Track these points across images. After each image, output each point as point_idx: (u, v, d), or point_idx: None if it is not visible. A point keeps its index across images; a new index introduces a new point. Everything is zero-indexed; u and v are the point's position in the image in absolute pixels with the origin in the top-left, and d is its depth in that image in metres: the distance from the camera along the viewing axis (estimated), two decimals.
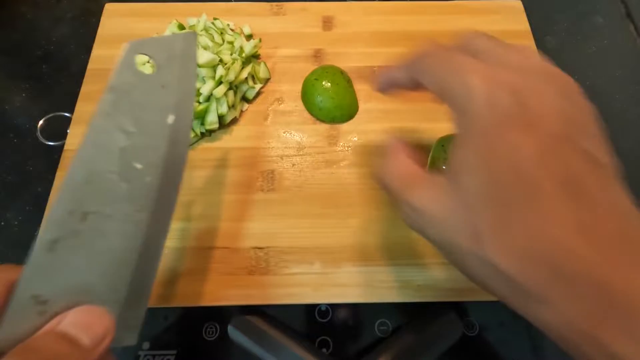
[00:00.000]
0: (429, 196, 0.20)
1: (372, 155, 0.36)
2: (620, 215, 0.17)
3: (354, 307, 0.32)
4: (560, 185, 0.16)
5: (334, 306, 0.32)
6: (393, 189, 0.22)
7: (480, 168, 0.18)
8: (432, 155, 0.30)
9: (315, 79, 0.33)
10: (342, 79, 0.34)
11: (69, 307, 0.16)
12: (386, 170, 0.23)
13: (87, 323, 0.16)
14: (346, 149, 0.37)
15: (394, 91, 0.25)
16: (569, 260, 0.16)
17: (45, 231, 0.16)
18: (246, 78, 0.38)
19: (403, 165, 0.22)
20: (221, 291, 0.31)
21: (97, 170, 0.19)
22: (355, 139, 0.37)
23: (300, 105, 0.38)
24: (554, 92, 0.18)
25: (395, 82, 0.24)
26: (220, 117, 0.36)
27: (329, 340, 0.31)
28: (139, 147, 0.21)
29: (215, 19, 0.41)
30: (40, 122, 0.39)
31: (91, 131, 0.20)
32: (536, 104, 0.18)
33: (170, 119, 0.23)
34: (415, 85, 0.23)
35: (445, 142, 0.30)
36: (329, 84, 0.33)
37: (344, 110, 0.34)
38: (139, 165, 0.21)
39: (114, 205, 0.19)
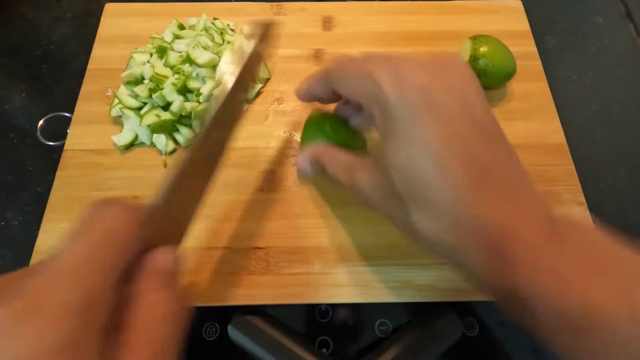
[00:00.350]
0: (368, 180, 0.24)
1: None
2: (504, 176, 0.21)
3: (354, 307, 0.32)
4: (460, 158, 0.20)
5: (334, 306, 0.32)
6: (341, 180, 0.26)
7: (400, 154, 0.21)
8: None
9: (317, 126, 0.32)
10: (340, 125, 0.32)
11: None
12: (331, 168, 0.27)
13: (176, 259, 0.19)
14: None
15: (313, 101, 0.29)
16: (468, 219, 0.20)
17: (169, 181, 0.20)
18: None
19: (340, 158, 0.27)
20: (221, 291, 0.31)
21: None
22: None
23: (300, 105, 0.38)
24: (450, 77, 0.22)
25: (315, 95, 0.28)
26: None
27: (329, 340, 0.31)
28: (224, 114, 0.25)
29: (215, 19, 0.41)
30: (40, 122, 0.39)
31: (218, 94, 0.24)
32: (437, 92, 0.21)
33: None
34: (333, 98, 0.27)
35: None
36: (332, 133, 0.31)
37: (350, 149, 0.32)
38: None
39: None
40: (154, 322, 0.17)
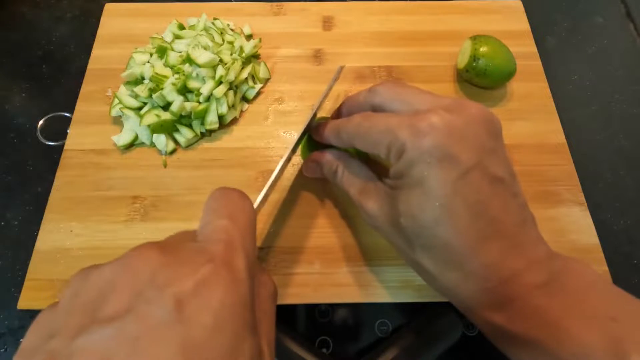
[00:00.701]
0: (377, 208, 0.25)
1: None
2: (511, 225, 0.22)
3: (354, 307, 0.32)
4: (471, 208, 0.21)
5: (334, 306, 0.32)
6: (352, 197, 0.28)
7: (412, 202, 0.22)
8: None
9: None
10: None
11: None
12: (345, 182, 0.28)
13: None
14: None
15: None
16: (471, 266, 0.22)
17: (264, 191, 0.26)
18: (246, 78, 0.38)
19: (356, 179, 0.28)
20: None
21: None
22: None
23: (300, 105, 0.38)
24: (466, 125, 0.22)
25: (329, 142, 0.29)
26: (220, 117, 0.36)
27: (329, 340, 0.31)
28: None
29: (215, 19, 0.41)
30: (40, 122, 0.39)
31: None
32: (452, 142, 0.21)
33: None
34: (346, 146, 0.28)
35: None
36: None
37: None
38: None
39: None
40: (266, 299, 0.20)
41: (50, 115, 0.40)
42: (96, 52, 0.41)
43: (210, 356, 0.14)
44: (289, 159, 0.30)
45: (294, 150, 0.30)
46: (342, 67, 0.36)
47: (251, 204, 0.21)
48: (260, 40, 0.41)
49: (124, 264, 0.16)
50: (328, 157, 0.30)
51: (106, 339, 0.14)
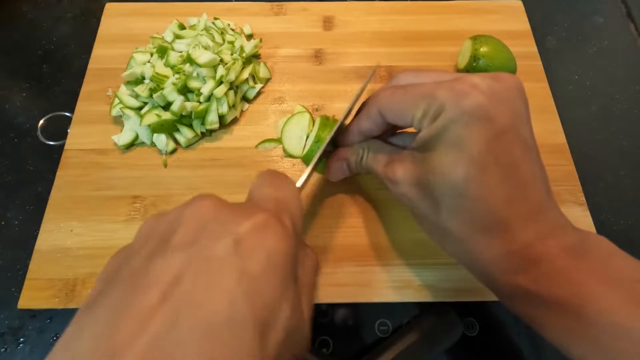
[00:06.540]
0: (403, 172, 0.25)
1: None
2: (538, 191, 0.22)
3: (354, 307, 0.32)
4: (502, 168, 0.22)
5: (334, 306, 0.32)
6: (379, 173, 0.28)
7: (445, 159, 0.22)
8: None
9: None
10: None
11: None
12: (370, 160, 0.28)
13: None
14: None
15: (365, 139, 0.30)
16: (498, 227, 0.22)
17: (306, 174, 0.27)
18: (247, 78, 0.38)
19: (382, 153, 0.28)
20: None
21: None
22: None
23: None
24: (503, 90, 0.23)
25: (365, 131, 0.29)
26: (221, 117, 0.36)
27: (329, 340, 0.31)
28: None
29: (215, 18, 0.41)
30: (41, 121, 0.39)
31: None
32: (490, 103, 0.22)
33: None
34: (379, 129, 0.28)
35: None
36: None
37: None
38: None
39: None
40: (310, 269, 0.21)
41: (51, 115, 0.40)
42: (97, 51, 0.41)
43: (262, 289, 0.16)
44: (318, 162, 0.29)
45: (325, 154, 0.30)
46: (377, 67, 0.35)
47: (293, 181, 0.23)
48: (260, 40, 0.41)
49: (190, 205, 0.18)
50: (350, 150, 0.30)
51: (178, 261, 0.16)
